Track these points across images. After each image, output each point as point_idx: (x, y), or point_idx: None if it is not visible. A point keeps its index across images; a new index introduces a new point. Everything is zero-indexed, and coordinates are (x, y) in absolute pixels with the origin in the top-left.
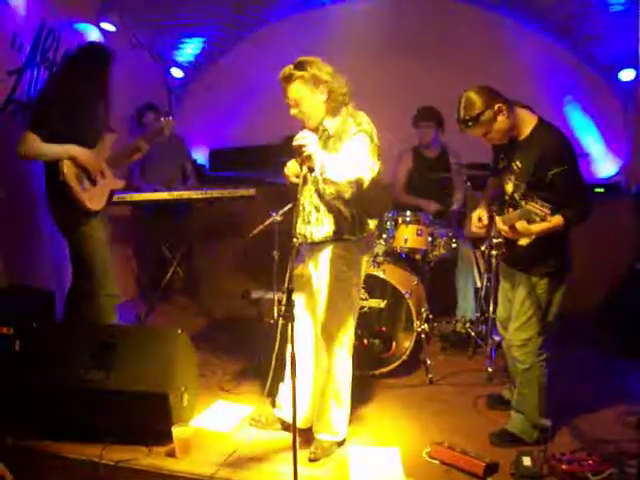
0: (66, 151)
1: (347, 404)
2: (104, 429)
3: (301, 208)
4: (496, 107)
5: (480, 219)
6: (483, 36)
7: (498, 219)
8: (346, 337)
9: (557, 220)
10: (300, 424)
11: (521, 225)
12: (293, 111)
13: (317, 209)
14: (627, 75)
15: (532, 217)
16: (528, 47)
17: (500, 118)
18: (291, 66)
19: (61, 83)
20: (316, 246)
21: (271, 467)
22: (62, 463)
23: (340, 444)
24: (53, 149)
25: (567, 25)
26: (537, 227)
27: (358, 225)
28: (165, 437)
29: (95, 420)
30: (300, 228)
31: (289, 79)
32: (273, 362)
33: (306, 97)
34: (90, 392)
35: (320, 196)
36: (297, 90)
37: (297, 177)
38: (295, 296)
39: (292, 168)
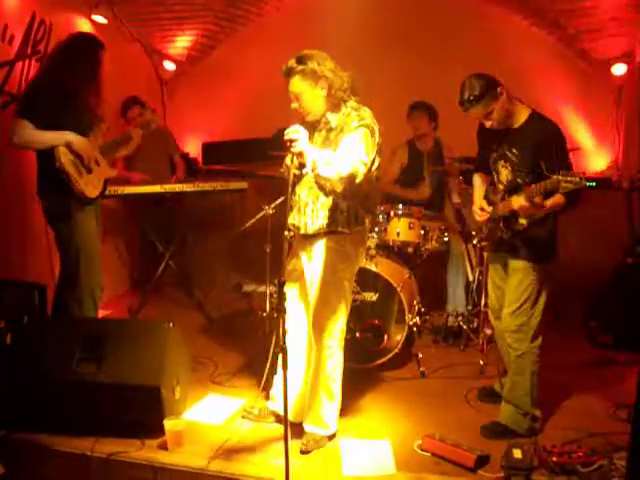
0: (61, 137)
1: (338, 398)
2: (96, 422)
3: (297, 198)
4: (498, 89)
5: (482, 209)
6: (476, 31)
7: (515, 197)
8: (337, 330)
9: (559, 198)
10: (292, 417)
11: (540, 199)
12: (294, 105)
13: (314, 201)
14: (619, 70)
15: (563, 186)
16: (521, 42)
17: (502, 98)
18: (293, 60)
19: (51, 71)
20: (309, 238)
21: (263, 459)
22: (54, 456)
23: (330, 438)
24: (48, 135)
25: (560, 20)
26: (550, 201)
27: (353, 218)
28: (157, 430)
29: (87, 413)
30: (294, 219)
31: (290, 73)
32: (270, 356)
33: (306, 92)
34: (82, 385)
35: (321, 188)
36: (297, 84)
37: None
38: (287, 289)
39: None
